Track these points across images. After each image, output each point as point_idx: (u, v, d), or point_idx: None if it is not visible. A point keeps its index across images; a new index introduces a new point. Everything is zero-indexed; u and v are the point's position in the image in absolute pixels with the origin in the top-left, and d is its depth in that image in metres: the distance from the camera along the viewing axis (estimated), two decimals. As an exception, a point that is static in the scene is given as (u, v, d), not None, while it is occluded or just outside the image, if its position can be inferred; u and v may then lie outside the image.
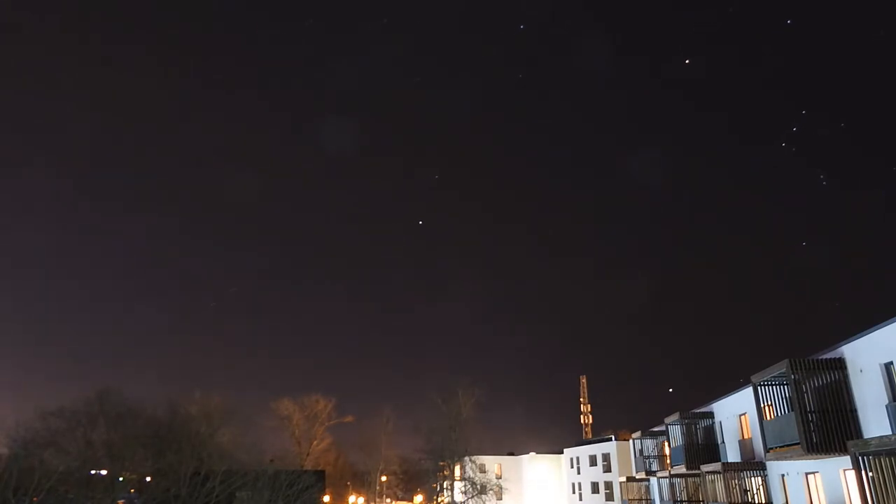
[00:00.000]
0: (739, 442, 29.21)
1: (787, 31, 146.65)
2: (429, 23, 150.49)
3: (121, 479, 40.31)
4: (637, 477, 46.29)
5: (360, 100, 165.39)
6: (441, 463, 59.32)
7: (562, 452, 72.71)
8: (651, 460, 41.92)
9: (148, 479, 42.38)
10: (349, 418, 76.57)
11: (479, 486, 57.82)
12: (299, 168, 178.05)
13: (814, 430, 19.60)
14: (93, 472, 39.51)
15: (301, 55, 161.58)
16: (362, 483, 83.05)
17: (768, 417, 23.34)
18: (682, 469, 33.09)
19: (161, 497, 38.53)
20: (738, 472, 27.17)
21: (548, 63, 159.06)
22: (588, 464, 65.07)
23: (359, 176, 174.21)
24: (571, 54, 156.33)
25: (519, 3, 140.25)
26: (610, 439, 65.58)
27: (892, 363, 17.87)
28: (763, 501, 26.44)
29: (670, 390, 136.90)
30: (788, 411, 21.46)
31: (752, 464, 27.09)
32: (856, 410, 19.38)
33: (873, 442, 15.27)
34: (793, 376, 20.43)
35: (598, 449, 64.61)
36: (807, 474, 22.96)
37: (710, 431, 32.91)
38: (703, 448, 32.26)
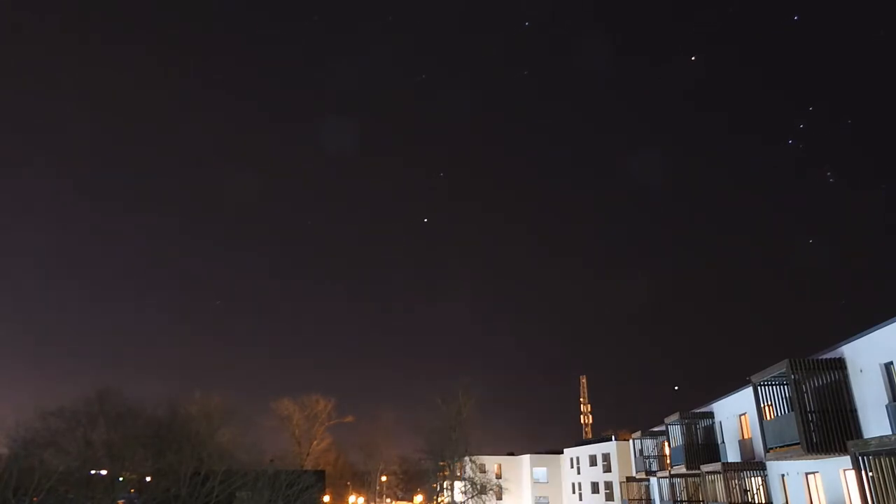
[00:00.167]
0: (739, 442, 29.20)
1: (787, 30, 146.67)
2: (429, 23, 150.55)
3: (121, 479, 40.31)
4: (637, 477, 46.27)
5: (360, 100, 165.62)
6: (441, 463, 59.30)
7: (562, 452, 72.71)
8: (651, 460, 41.90)
9: (148, 479, 42.39)
10: (349, 418, 76.62)
11: (479, 486, 57.82)
12: (299, 168, 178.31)
13: (814, 430, 19.59)
14: (93, 472, 39.52)
15: (301, 55, 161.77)
16: (362, 483, 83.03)
17: (768, 417, 23.33)
18: (682, 469, 33.08)
19: (161, 497, 38.54)
20: (738, 472, 27.16)
21: (548, 63, 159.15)
22: (588, 464, 65.05)
23: (359, 176, 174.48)
24: (571, 54, 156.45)
25: (519, 3, 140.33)
26: (610, 439, 65.56)
27: (892, 363, 17.87)
28: (763, 501, 26.43)
29: (675, 388, 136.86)
30: (788, 411, 21.46)
31: (752, 464, 27.08)
32: (856, 410, 19.37)
33: (873, 442, 15.26)
34: (793, 376, 20.42)
35: (598, 449, 64.58)
36: (807, 474, 22.96)
37: (710, 431, 32.90)
38: (703, 448, 32.24)
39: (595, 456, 64.18)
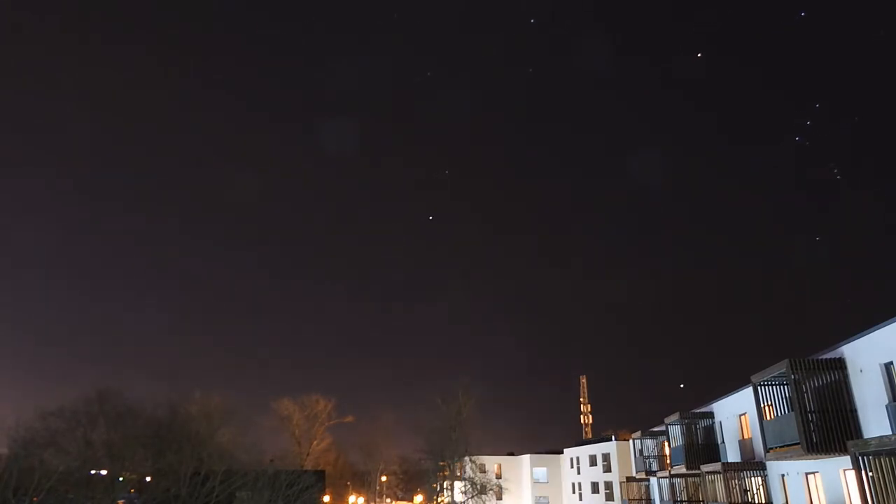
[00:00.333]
0: (739, 442, 29.20)
1: (787, 29, 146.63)
2: (429, 23, 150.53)
3: (121, 479, 40.30)
4: (637, 477, 46.26)
5: (360, 100, 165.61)
6: (441, 463, 59.30)
7: (562, 452, 72.70)
8: (651, 460, 41.89)
9: (148, 479, 42.40)
10: (349, 418, 76.63)
11: (479, 486, 57.82)
12: (299, 168, 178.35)
13: (814, 430, 19.58)
14: (93, 472, 39.52)
15: (301, 55, 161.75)
16: (362, 483, 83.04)
17: (768, 417, 23.32)
18: (682, 469, 33.08)
19: (161, 497, 38.54)
20: (738, 472, 27.15)
21: (548, 63, 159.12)
22: (588, 464, 65.04)
23: (359, 176, 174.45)
24: (571, 54, 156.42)
25: (519, 3, 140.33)
26: (610, 439, 65.55)
27: (892, 363, 17.87)
28: (763, 501, 26.42)
29: (681, 386, 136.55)
30: (788, 411, 21.45)
31: (752, 464, 27.08)
32: (856, 410, 19.37)
33: (873, 442, 15.26)
34: (793, 376, 20.42)
35: (598, 449, 64.57)
36: (807, 474, 22.96)
37: (710, 431, 32.89)
38: (703, 448, 32.23)
39: (595, 456, 64.18)
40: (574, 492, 67.73)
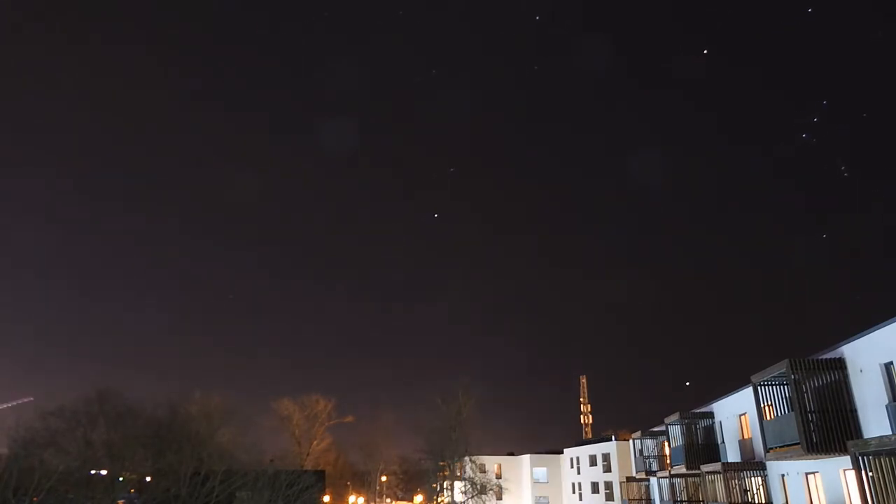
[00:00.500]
0: (739, 442, 29.19)
1: (787, 30, 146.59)
2: (429, 23, 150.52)
3: (121, 479, 40.29)
4: (637, 477, 46.26)
5: (360, 100, 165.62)
6: (441, 463, 59.30)
7: (562, 452, 72.70)
8: (651, 460, 41.88)
9: (148, 479, 42.38)
10: (349, 418, 76.69)
11: (479, 486, 57.82)
12: (299, 168, 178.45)
13: (814, 430, 19.58)
14: (93, 472, 39.50)
15: (301, 55, 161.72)
16: (362, 483, 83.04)
17: (768, 417, 23.32)
18: (682, 469, 33.08)
19: (161, 497, 38.53)
20: (738, 472, 27.15)
21: (548, 63, 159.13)
22: (588, 464, 65.04)
23: (359, 176, 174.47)
24: (571, 54, 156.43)
25: (520, 3, 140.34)
26: (610, 439, 65.55)
27: (892, 363, 17.86)
28: (763, 501, 26.42)
29: (687, 384, 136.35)
30: (788, 411, 21.45)
31: (752, 464, 27.07)
32: (856, 410, 19.37)
33: (873, 442, 15.26)
34: (793, 376, 20.42)
35: (598, 449, 64.57)
36: (807, 474, 22.95)
37: (710, 431, 32.89)
38: (703, 448, 32.22)
39: (595, 456, 64.17)
40: (574, 492, 67.72)
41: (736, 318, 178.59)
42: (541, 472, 72.61)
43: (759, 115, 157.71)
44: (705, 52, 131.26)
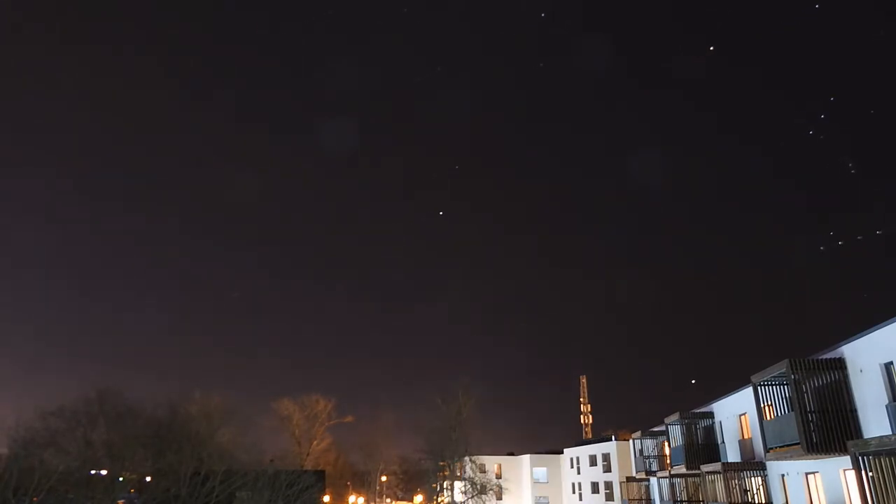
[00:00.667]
0: (739, 442, 29.19)
1: (787, 30, 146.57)
2: (429, 23, 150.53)
3: (121, 479, 40.28)
4: (637, 477, 46.26)
5: (360, 100, 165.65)
6: (441, 463, 59.30)
7: (562, 452, 72.71)
8: (651, 460, 41.89)
9: (148, 479, 42.38)
10: (349, 418, 76.67)
11: (479, 486, 57.82)
12: (299, 168, 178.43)
13: (814, 430, 19.58)
14: (93, 472, 39.51)
15: (301, 55, 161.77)
16: (362, 483, 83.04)
17: (768, 417, 23.32)
18: (682, 469, 33.08)
19: (161, 497, 38.54)
20: (738, 472, 27.15)
21: (548, 63, 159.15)
22: (588, 464, 65.04)
23: (359, 176, 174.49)
24: (571, 54, 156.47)
25: (519, 4, 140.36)
26: (610, 439, 65.56)
27: (892, 363, 17.86)
28: (763, 501, 26.42)
29: (692, 381, 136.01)
30: (788, 411, 21.45)
31: (752, 464, 27.07)
32: (856, 410, 19.36)
33: (873, 442, 15.26)
34: (793, 376, 20.42)
35: (598, 449, 64.58)
36: (807, 474, 22.95)
37: (710, 431, 32.89)
38: (703, 448, 32.22)
39: (595, 456, 64.18)
40: (574, 492, 67.72)
41: (736, 318, 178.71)
42: (541, 472, 72.62)
43: (759, 115, 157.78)
44: (711, 48, 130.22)
